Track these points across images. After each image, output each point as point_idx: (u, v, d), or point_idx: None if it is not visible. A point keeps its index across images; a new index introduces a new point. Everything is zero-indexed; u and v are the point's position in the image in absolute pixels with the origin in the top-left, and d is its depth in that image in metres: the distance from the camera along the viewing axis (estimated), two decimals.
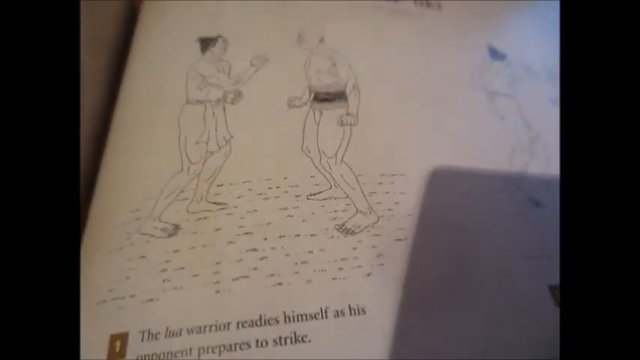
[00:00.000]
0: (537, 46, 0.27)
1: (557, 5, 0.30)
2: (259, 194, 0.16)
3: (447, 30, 0.26)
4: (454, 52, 0.24)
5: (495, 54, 0.26)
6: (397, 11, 0.26)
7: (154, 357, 0.13)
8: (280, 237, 0.15)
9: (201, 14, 0.23)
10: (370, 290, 0.14)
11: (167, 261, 0.14)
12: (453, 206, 0.17)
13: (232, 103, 0.19)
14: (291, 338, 0.13)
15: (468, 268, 0.16)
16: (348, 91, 0.20)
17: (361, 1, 0.25)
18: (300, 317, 0.14)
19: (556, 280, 0.16)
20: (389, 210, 0.16)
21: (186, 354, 0.13)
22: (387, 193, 0.17)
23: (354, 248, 0.15)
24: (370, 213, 0.16)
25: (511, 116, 0.22)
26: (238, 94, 0.19)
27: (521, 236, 0.17)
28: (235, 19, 0.22)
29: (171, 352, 0.13)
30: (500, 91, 0.23)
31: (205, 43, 0.21)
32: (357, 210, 0.16)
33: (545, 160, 0.21)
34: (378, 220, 0.16)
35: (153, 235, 0.15)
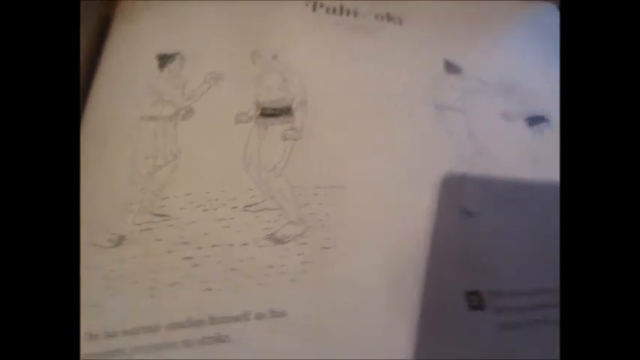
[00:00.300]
0: (494, 59, 0.28)
1: (518, 19, 0.31)
2: (199, 206, 0.18)
3: (405, 45, 0.27)
4: (409, 66, 0.25)
5: (451, 67, 0.26)
6: (358, 27, 0.27)
7: (93, 357, 0.14)
8: (214, 246, 0.17)
9: (164, 31, 0.24)
10: (292, 295, 0.16)
11: (111, 270, 0.16)
12: (384, 217, 0.19)
13: (183, 119, 0.20)
14: (214, 338, 0.15)
15: (394, 276, 0.17)
16: (295, 106, 0.21)
17: (323, 18, 0.27)
18: (223, 319, 0.15)
19: (473, 286, 0.18)
20: (319, 220, 0.18)
21: (121, 354, 0.14)
22: (320, 204, 0.18)
23: (282, 256, 0.17)
24: (300, 223, 0.18)
25: (458, 130, 0.23)
26: (189, 111, 0.21)
27: (448, 245, 0.19)
28: (194, 36, 0.24)
29: (108, 352, 0.15)
30: (450, 106, 0.24)
31: (163, 60, 0.22)
32: (288, 221, 0.18)
33: (485, 172, 0.22)
34: (307, 229, 0.17)
35: (102, 246, 0.17)
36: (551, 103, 0.26)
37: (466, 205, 0.20)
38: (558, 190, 0.21)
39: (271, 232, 0.17)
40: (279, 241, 0.17)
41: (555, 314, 0.18)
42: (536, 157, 0.24)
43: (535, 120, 0.25)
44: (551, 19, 0.31)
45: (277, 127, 0.20)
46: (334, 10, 0.27)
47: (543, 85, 0.27)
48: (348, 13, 0.27)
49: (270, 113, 0.21)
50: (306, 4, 0.26)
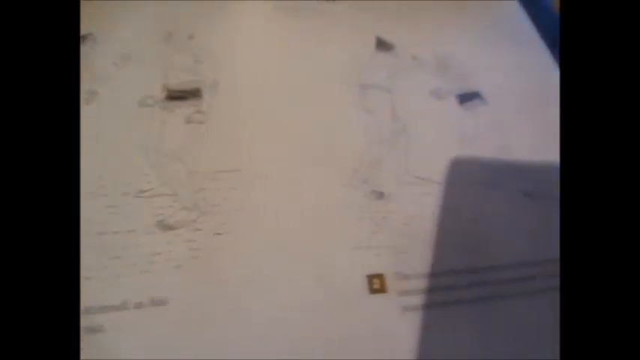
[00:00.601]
0: (429, 36, 0.27)
1: (467, 10, 0.29)
2: (90, 192, 0.17)
3: (340, 23, 0.26)
4: (340, 45, 0.25)
5: (382, 45, 0.26)
6: (288, 8, 0.26)
7: None
8: (100, 234, 0.16)
9: (83, 12, 0.24)
10: (176, 283, 0.15)
11: None
12: (282, 202, 0.18)
13: (86, 103, 0.20)
14: (88, 328, 0.14)
15: (288, 261, 0.17)
16: (206, 89, 0.21)
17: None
18: (100, 309, 0.15)
19: (377, 269, 0.17)
20: (215, 205, 0.17)
21: None
22: (218, 189, 0.17)
23: (170, 242, 0.16)
24: (194, 209, 0.17)
25: (380, 109, 0.22)
26: (93, 94, 0.20)
27: (353, 228, 0.18)
28: (108, 17, 0.23)
29: None
30: (375, 84, 0.23)
31: None
32: (182, 206, 0.17)
33: (404, 152, 0.21)
34: (201, 215, 0.17)
35: None
36: (485, 79, 0.25)
37: (379, 186, 0.20)
38: (484, 167, 0.21)
39: (162, 219, 0.17)
40: (169, 228, 0.16)
41: (466, 294, 0.18)
42: (465, 136, 0.23)
43: (468, 97, 0.25)
44: None
45: (184, 110, 0.20)
46: None
47: (479, 61, 0.26)
48: None
49: (177, 96, 0.20)
50: None
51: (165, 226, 0.16)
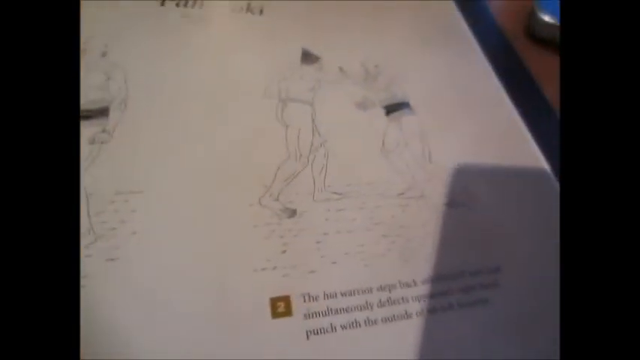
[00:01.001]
0: (360, 45, 0.27)
1: (396, 14, 0.30)
2: None
3: (262, 35, 0.26)
4: (261, 58, 0.24)
5: (308, 57, 0.25)
6: (206, 19, 0.25)
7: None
8: None
9: None
10: None
11: None
12: (190, 222, 0.17)
13: None
14: None
15: (185, 289, 0.16)
16: (113, 106, 0.20)
17: (169, 11, 0.25)
18: None
19: (283, 291, 0.17)
20: (112, 229, 0.16)
21: None
22: (116, 211, 0.17)
23: None
24: (88, 234, 0.16)
25: (299, 123, 0.22)
26: None
27: (260, 249, 0.17)
28: None
29: None
30: (296, 98, 0.23)
31: None
32: None
33: (322, 167, 0.21)
34: (97, 239, 0.16)
35: None
36: (415, 88, 0.25)
37: (292, 203, 0.19)
38: (404, 178, 0.21)
39: None
40: None
41: (379, 313, 0.18)
42: (388, 147, 0.23)
43: (395, 107, 0.24)
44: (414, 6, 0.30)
45: (89, 129, 0.19)
46: (185, 4, 0.26)
47: (409, 69, 0.26)
48: (201, 6, 0.26)
49: (84, 115, 0.19)
50: None
51: None
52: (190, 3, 0.25)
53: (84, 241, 0.16)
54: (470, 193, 0.21)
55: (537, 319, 0.17)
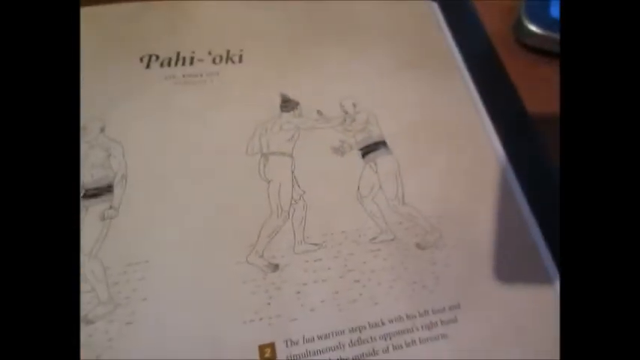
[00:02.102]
0: (337, 84, 0.28)
1: (372, 40, 0.30)
2: None
3: (243, 84, 0.28)
4: (243, 111, 0.26)
5: (287, 104, 0.27)
6: (191, 76, 0.27)
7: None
8: None
9: None
10: None
11: None
12: (189, 284, 0.21)
13: None
14: None
15: (185, 346, 0.19)
16: (116, 182, 0.23)
17: (155, 73, 0.27)
18: None
19: (268, 338, 0.20)
20: (126, 298, 0.20)
21: None
22: (127, 281, 0.21)
23: (90, 336, 0.19)
24: (109, 302, 0.20)
25: (279, 178, 0.25)
26: None
27: (247, 303, 0.21)
28: None
29: None
30: (276, 151, 0.25)
31: None
32: (99, 301, 0.20)
33: (301, 219, 0.23)
34: (116, 307, 0.20)
35: None
36: (391, 125, 0.27)
37: (275, 258, 0.22)
38: (377, 222, 0.23)
39: (84, 314, 0.20)
40: (89, 322, 0.20)
41: (343, 354, 0.20)
42: (363, 192, 0.25)
43: (371, 148, 0.26)
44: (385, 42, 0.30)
45: (98, 207, 0.23)
46: (169, 62, 0.28)
47: (386, 106, 0.28)
48: (184, 62, 0.28)
49: (92, 194, 0.23)
50: (141, 60, 0.27)
51: (87, 321, 0.20)
52: (173, 62, 0.28)
53: (107, 308, 0.20)
54: (440, 232, 0.23)
55: (491, 353, 0.20)
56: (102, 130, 0.25)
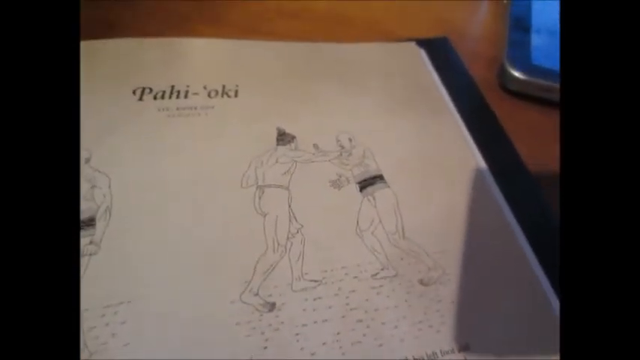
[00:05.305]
0: (334, 118, 0.29)
1: (365, 78, 0.32)
2: None
3: (239, 117, 0.28)
4: (238, 144, 0.27)
5: (283, 137, 0.28)
6: (185, 109, 0.28)
7: None
8: None
9: None
10: None
11: None
12: (177, 326, 0.19)
13: None
14: None
15: None
16: (99, 216, 0.22)
17: (147, 105, 0.27)
18: None
19: None
20: (103, 344, 0.19)
21: None
22: (106, 325, 0.19)
23: None
24: (84, 350, 0.18)
25: (275, 211, 0.24)
26: None
27: (242, 347, 0.19)
28: None
29: None
30: (272, 183, 0.25)
31: None
32: None
33: (299, 255, 0.23)
34: (91, 356, 0.18)
35: None
36: (388, 159, 0.28)
37: (271, 297, 0.21)
38: (379, 257, 0.23)
39: None
40: None
41: None
42: (363, 227, 0.25)
43: (369, 182, 0.27)
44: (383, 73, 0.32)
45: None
46: (163, 95, 0.28)
47: (383, 139, 0.29)
48: (178, 95, 0.28)
49: None
50: (134, 93, 0.28)
51: None
52: (167, 95, 0.28)
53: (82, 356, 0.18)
54: (443, 269, 0.23)
55: None
56: (87, 160, 0.24)
